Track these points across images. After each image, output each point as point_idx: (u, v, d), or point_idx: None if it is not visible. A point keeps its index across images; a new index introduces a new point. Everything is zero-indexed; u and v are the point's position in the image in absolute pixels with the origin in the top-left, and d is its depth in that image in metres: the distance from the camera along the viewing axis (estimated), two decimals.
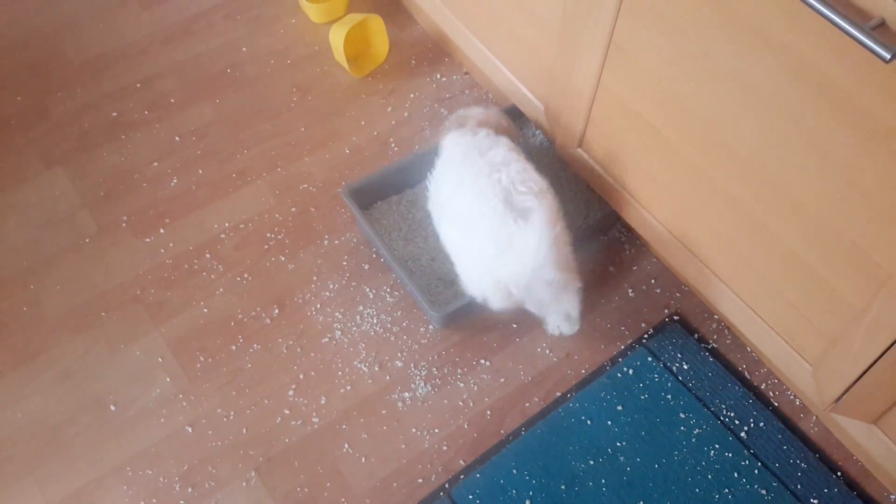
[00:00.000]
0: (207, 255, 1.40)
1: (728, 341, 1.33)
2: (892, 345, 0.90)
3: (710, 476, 1.18)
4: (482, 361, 1.30)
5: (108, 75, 1.65)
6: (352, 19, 1.61)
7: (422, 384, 1.27)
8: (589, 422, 1.23)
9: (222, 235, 1.43)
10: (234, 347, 1.30)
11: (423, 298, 1.27)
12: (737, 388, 1.26)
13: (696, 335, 1.33)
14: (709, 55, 0.94)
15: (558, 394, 1.27)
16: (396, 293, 1.36)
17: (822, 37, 0.79)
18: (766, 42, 0.85)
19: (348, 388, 1.27)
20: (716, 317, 1.36)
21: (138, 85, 1.64)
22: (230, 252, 1.41)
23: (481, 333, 1.33)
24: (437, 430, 1.23)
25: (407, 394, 1.26)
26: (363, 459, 1.20)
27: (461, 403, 1.26)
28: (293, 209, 1.46)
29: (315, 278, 1.38)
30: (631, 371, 1.28)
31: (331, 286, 1.37)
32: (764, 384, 1.29)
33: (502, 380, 1.28)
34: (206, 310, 1.34)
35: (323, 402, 1.25)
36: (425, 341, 1.32)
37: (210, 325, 1.32)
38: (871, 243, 0.87)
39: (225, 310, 1.34)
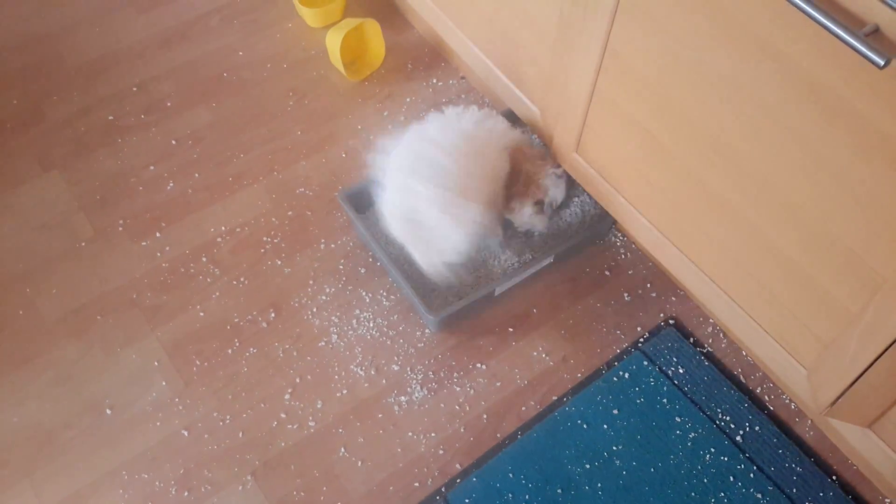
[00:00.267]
0: (204, 259, 1.40)
1: (723, 345, 1.34)
2: (887, 349, 0.91)
3: (705, 480, 1.19)
4: (478, 365, 1.30)
5: (104, 79, 1.65)
6: (348, 24, 1.62)
7: (418, 388, 1.27)
8: (585, 425, 1.23)
9: (218, 239, 1.43)
10: (230, 351, 1.30)
11: (420, 302, 1.27)
12: (732, 391, 1.27)
13: (691, 339, 1.34)
14: (704, 61, 0.94)
15: (554, 397, 1.27)
16: (393, 297, 1.36)
17: (816, 43, 0.79)
18: (761, 48, 0.85)
19: (345, 391, 1.27)
20: (711, 321, 1.36)
21: (134, 88, 1.64)
22: (226, 256, 1.41)
23: (477, 337, 1.33)
24: (433, 434, 1.23)
25: (403, 398, 1.26)
26: (359, 463, 1.20)
27: (457, 407, 1.26)
28: (289, 213, 1.46)
29: (311, 282, 1.38)
30: (627, 375, 1.28)
31: (327, 290, 1.37)
32: (759, 388, 1.29)
33: (498, 384, 1.29)
34: (202, 313, 1.34)
35: (319, 405, 1.25)
36: (422, 345, 1.32)
37: (206, 328, 1.32)
38: (866, 248, 0.87)
39: (221, 313, 1.34)
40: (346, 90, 1.65)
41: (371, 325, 1.33)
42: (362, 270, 1.39)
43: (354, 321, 1.34)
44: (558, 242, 1.39)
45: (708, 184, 1.05)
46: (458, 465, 1.21)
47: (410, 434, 1.23)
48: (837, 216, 0.88)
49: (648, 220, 1.22)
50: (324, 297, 1.36)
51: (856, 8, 0.74)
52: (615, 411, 1.24)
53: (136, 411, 1.24)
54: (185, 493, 1.17)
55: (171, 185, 1.49)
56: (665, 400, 1.26)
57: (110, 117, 1.59)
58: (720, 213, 1.05)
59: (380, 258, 1.35)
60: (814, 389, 1.06)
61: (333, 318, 1.34)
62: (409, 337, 1.32)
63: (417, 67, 1.70)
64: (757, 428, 1.23)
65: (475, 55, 1.45)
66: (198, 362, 1.29)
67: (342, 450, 1.21)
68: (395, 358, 1.30)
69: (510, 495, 1.17)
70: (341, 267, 1.40)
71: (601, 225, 1.41)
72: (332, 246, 1.42)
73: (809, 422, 1.26)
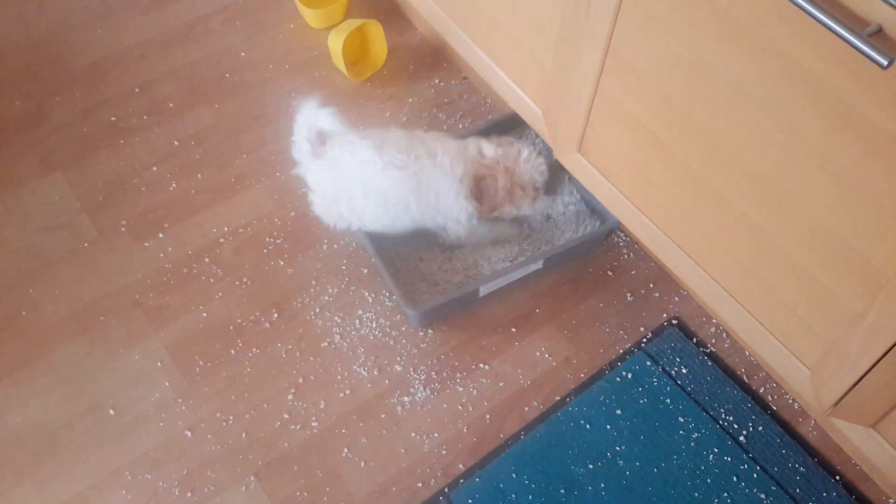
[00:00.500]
0: (206, 260, 1.40)
1: (727, 345, 1.33)
2: (890, 349, 0.91)
3: (708, 480, 1.19)
4: (481, 366, 1.30)
5: (107, 80, 1.65)
6: (350, 24, 1.62)
7: (421, 388, 1.27)
8: (588, 426, 1.23)
9: (221, 240, 1.43)
10: (233, 352, 1.30)
11: (400, 295, 1.27)
12: (735, 392, 1.27)
13: (694, 339, 1.34)
14: (706, 61, 0.94)
15: (557, 398, 1.27)
16: (395, 297, 1.36)
17: (819, 44, 0.79)
18: (764, 49, 0.85)
19: (347, 392, 1.27)
20: (714, 321, 1.36)
21: (137, 89, 1.64)
22: (229, 256, 1.41)
23: (480, 338, 1.33)
24: (436, 435, 1.23)
25: (406, 398, 1.26)
26: (362, 464, 1.20)
27: (460, 407, 1.26)
28: (292, 213, 1.46)
29: (314, 283, 1.38)
30: (630, 375, 1.28)
31: (330, 290, 1.37)
32: (762, 388, 1.29)
33: (501, 384, 1.29)
34: (205, 314, 1.34)
35: (322, 406, 1.25)
36: (424, 345, 1.32)
37: (209, 329, 1.32)
38: (869, 248, 0.87)
39: (224, 314, 1.34)
40: (348, 91, 1.65)
41: (374, 325, 1.33)
42: (365, 271, 1.40)
43: (357, 321, 1.34)
44: (551, 248, 1.39)
45: (711, 184, 1.05)
46: (461, 466, 1.21)
47: (413, 434, 1.23)
48: (841, 216, 0.88)
49: (651, 220, 1.21)
50: (326, 298, 1.36)
51: (859, 8, 0.74)
52: (618, 411, 1.24)
53: (139, 412, 1.24)
54: (189, 494, 1.17)
55: (174, 185, 1.49)
56: (668, 400, 1.26)
57: (113, 118, 1.59)
58: (723, 213, 1.05)
59: (368, 251, 1.35)
60: (817, 389, 1.06)
61: (336, 318, 1.34)
62: (412, 337, 1.32)
63: (420, 68, 1.70)
64: (760, 428, 1.23)
65: (478, 56, 1.45)
66: (201, 363, 1.29)
67: (345, 450, 1.21)
68: (398, 358, 1.30)
69: (513, 495, 1.17)
70: (344, 267, 1.40)
71: (604, 225, 1.41)
72: (335, 247, 1.43)
73: (813, 422, 1.26)
